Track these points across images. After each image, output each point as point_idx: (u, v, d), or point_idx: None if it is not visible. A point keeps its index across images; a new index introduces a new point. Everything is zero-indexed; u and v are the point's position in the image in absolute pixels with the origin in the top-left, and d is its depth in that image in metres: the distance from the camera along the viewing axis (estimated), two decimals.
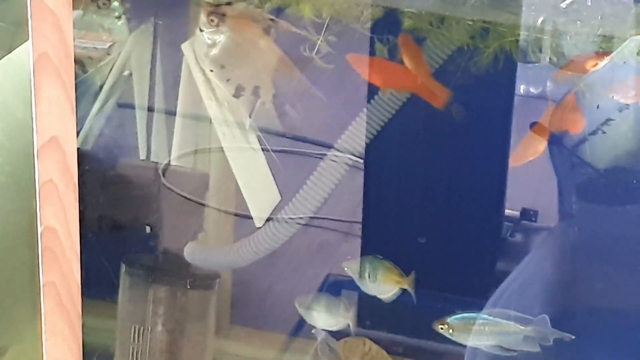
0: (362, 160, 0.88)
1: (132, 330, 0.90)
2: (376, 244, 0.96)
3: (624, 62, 0.74)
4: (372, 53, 0.79)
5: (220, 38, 0.81)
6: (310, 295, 0.91)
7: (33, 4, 0.71)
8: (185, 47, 0.82)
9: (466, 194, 0.88)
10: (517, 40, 0.72)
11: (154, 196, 0.95)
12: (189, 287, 0.91)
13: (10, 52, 0.94)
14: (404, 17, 0.76)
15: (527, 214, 0.94)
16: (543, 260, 0.89)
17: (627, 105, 0.75)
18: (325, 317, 0.89)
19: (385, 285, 0.86)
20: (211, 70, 0.82)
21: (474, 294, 0.88)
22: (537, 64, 0.74)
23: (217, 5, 0.80)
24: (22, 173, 0.86)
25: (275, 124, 0.85)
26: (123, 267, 0.92)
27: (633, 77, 0.76)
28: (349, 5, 0.75)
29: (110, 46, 0.86)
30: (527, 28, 0.71)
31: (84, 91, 0.86)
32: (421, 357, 0.94)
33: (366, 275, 0.85)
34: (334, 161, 0.85)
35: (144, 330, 0.90)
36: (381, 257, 0.87)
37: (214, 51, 0.82)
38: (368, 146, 0.85)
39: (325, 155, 0.87)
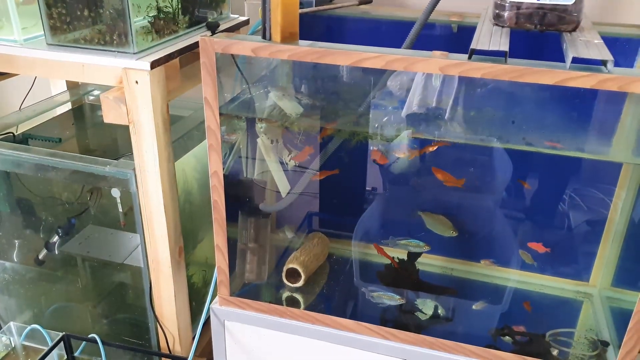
0: (319, 171, 1.89)
1: (243, 233, 1.72)
2: (323, 202, 2.01)
3: (401, 141, 1.76)
4: None
5: (262, 128, 1.69)
6: None
7: (209, 132, 1.36)
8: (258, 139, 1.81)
9: (354, 183, 1.93)
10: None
11: (249, 189, 1.69)
12: (262, 217, 1.73)
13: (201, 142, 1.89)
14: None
15: (374, 189, 1.95)
16: (375, 205, 1.94)
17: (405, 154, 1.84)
18: None
19: None
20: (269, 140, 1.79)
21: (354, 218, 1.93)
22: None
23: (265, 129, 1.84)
24: (207, 180, 1.46)
25: (284, 156, 1.81)
26: (239, 213, 1.71)
27: (404, 147, 1.75)
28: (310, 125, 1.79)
29: (236, 137, 1.65)
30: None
31: (226, 149, 1.50)
32: None
33: None
34: (308, 172, 1.86)
35: (246, 233, 1.72)
36: None
37: (263, 131, 1.73)
38: (321, 166, 1.88)
39: (304, 170, 1.80)
